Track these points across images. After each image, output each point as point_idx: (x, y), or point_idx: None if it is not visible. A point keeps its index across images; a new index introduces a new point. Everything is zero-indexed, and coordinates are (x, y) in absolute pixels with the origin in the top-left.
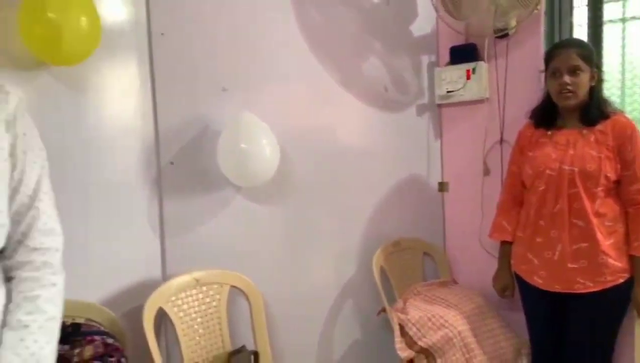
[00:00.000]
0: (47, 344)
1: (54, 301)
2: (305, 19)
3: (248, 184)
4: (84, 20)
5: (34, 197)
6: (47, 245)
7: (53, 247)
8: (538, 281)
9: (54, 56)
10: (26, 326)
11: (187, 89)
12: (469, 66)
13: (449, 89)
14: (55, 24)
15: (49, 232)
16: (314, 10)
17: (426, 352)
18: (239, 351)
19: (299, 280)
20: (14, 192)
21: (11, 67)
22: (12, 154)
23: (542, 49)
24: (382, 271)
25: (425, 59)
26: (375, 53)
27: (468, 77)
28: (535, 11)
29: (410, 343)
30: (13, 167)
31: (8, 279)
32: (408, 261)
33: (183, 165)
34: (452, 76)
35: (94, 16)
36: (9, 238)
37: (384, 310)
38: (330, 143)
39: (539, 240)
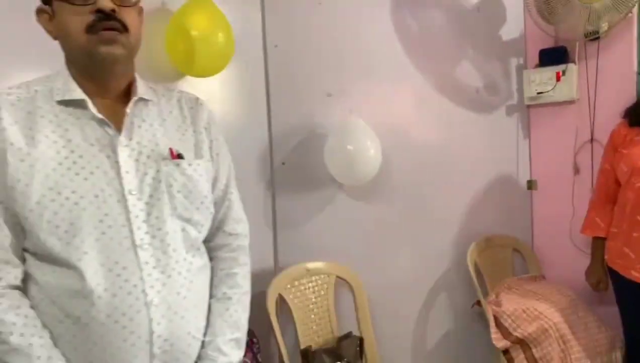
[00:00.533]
0: (243, 313)
1: (247, 277)
2: (402, 27)
3: (353, 183)
4: (221, 37)
5: (225, 191)
6: (239, 231)
7: (243, 233)
8: (635, 274)
9: (193, 68)
10: (229, 298)
11: (297, 96)
12: (559, 68)
13: (538, 91)
14: (196, 40)
15: (239, 220)
16: (411, 19)
17: (521, 342)
18: (346, 336)
19: (396, 273)
20: (212, 186)
21: (156, 79)
22: (211, 155)
23: (635, 51)
24: (475, 266)
25: (514, 62)
26: (468, 57)
27: (558, 79)
28: (630, 15)
29: (505, 334)
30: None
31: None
32: (499, 257)
33: (293, 165)
34: (542, 78)
35: (229, 33)
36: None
37: (478, 302)
38: (426, 144)
39: (635, 234)
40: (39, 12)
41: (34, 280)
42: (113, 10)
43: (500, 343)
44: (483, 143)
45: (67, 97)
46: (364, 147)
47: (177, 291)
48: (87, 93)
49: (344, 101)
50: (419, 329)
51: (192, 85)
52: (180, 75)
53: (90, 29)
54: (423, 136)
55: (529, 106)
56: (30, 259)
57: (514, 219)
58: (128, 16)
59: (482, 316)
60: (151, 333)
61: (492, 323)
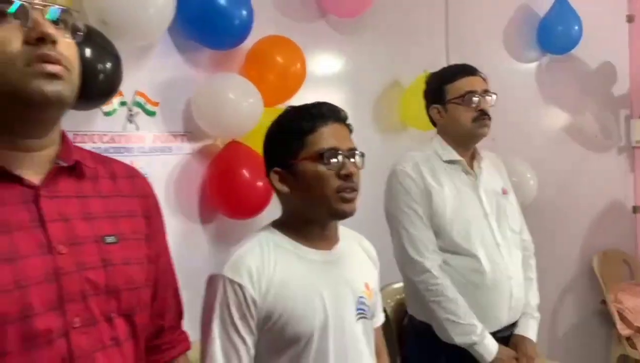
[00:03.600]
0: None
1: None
2: (543, 86)
3: None
4: None
5: None
6: (526, 237)
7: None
8: None
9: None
10: (530, 279)
11: None
12: None
13: None
14: None
15: (524, 230)
16: (551, 80)
17: None
18: None
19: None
20: None
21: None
22: None
23: None
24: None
25: (623, 113)
26: (589, 109)
27: None
28: None
29: (628, 324)
30: None
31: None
32: (612, 266)
33: None
34: None
35: None
36: None
37: (603, 301)
38: (559, 174)
39: None
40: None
41: (447, 263)
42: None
43: (625, 331)
44: (599, 175)
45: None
46: (524, 178)
47: (518, 270)
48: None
49: (506, 144)
50: (552, 321)
51: None
52: None
53: None
54: (558, 168)
55: (634, 147)
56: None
57: (623, 236)
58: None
59: (603, 314)
60: (510, 295)
61: (616, 317)
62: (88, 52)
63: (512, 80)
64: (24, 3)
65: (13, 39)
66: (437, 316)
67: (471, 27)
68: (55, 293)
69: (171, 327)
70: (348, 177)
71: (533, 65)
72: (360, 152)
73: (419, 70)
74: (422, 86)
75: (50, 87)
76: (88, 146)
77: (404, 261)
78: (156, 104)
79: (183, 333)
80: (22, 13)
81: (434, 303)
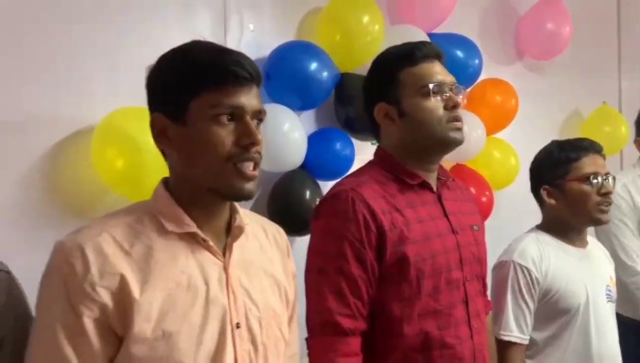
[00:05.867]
0: None
1: None
2: None
3: None
4: None
5: None
6: None
7: None
8: None
9: None
10: None
11: None
12: None
13: None
14: None
15: None
16: None
17: None
18: None
19: None
20: None
21: None
22: None
23: None
24: None
25: None
26: None
27: None
28: None
29: None
30: None
31: None
32: None
33: None
34: None
35: None
36: None
37: None
38: None
39: None
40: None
41: None
42: None
43: None
44: None
45: None
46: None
47: None
48: None
49: None
50: None
51: None
52: None
53: None
54: None
55: None
56: None
57: None
58: None
59: None
60: None
61: None
62: None
63: None
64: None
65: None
66: None
67: None
68: (458, 258)
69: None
70: (606, 195)
71: None
72: (613, 176)
73: (598, 101)
74: (602, 116)
75: None
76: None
77: (617, 265)
78: None
79: None
80: None
81: None
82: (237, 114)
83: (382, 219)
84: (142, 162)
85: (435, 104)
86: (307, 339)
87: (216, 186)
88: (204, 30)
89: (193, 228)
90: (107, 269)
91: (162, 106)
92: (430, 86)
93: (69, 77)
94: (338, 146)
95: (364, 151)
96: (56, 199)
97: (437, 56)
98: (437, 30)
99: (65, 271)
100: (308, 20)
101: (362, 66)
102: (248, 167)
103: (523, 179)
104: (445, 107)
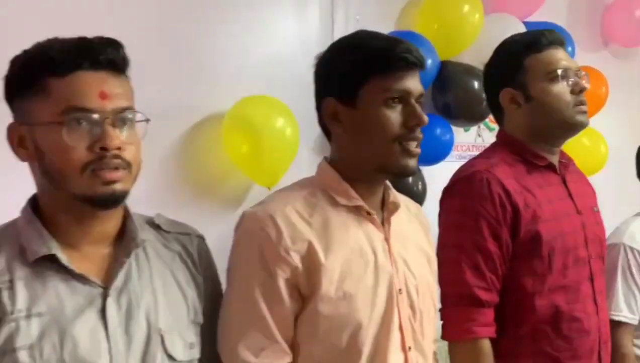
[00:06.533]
0: None
1: None
2: None
3: None
4: None
5: None
6: None
7: None
8: None
9: None
10: None
11: None
12: None
13: None
14: None
15: None
16: None
17: None
18: None
19: None
20: None
21: None
22: None
23: None
24: None
25: None
26: None
27: None
28: None
29: None
30: None
31: None
32: None
33: None
34: None
35: None
36: None
37: None
38: None
39: None
40: None
41: None
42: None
43: None
44: None
45: None
46: None
47: None
48: None
49: None
50: None
51: None
52: None
53: None
54: None
55: None
56: None
57: None
58: None
59: None
60: None
61: None
62: (476, 84)
63: None
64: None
65: None
66: None
67: None
68: (583, 238)
69: None
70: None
71: None
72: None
73: None
74: None
75: None
76: (455, 152)
77: None
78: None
79: None
80: None
81: None
82: (404, 98)
83: (517, 199)
84: (263, 146)
85: (562, 88)
86: (440, 310)
87: (384, 165)
88: (314, 22)
89: (360, 201)
90: (297, 236)
91: (334, 91)
92: (559, 71)
93: (202, 68)
94: (438, 131)
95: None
96: (190, 179)
97: (561, 43)
98: (529, 19)
99: (261, 238)
100: (409, 10)
101: (460, 53)
102: (413, 145)
103: (612, 167)
104: (572, 92)
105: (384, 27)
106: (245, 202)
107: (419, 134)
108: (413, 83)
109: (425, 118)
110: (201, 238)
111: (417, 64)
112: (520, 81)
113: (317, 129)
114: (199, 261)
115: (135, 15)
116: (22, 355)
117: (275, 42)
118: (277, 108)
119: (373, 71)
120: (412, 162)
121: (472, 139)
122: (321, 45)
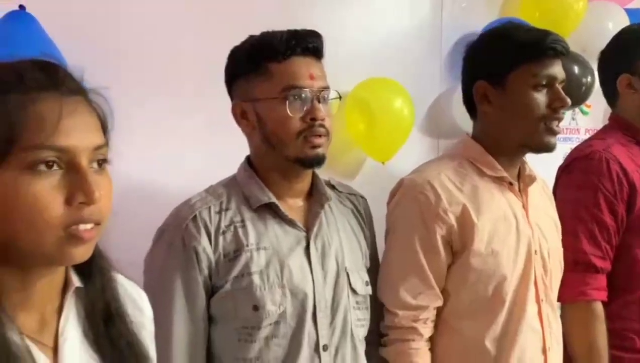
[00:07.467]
0: None
1: None
2: None
3: None
4: None
5: None
6: None
7: None
8: None
9: None
10: None
11: None
12: None
13: None
14: None
15: None
16: None
17: None
18: None
19: None
20: None
21: None
22: None
23: None
24: None
25: None
26: None
27: None
28: None
29: None
30: None
31: None
32: None
33: None
34: None
35: None
36: None
37: None
38: None
39: None
40: None
41: None
42: None
43: None
44: None
45: None
46: None
47: None
48: None
49: None
50: None
51: None
52: None
53: None
54: None
55: None
56: None
57: None
58: None
59: None
60: None
61: None
62: (576, 69)
63: None
64: None
65: None
66: None
67: None
68: None
69: None
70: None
71: None
72: None
73: None
74: None
75: None
76: None
77: None
78: (589, 106)
79: None
80: None
81: None
82: (549, 83)
83: (633, 177)
84: (380, 126)
85: None
86: None
87: (529, 141)
88: (425, 8)
89: (503, 173)
90: (453, 199)
91: (485, 75)
92: None
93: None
94: None
95: None
96: None
97: None
98: (630, 6)
99: (421, 200)
100: None
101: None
102: (555, 124)
103: None
104: None
105: (489, 13)
106: (359, 176)
107: (561, 115)
108: (558, 69)
109: (568, 100)
110: (364, 198)
111: (563, 53)
112: (638, 68)
113: (424, 109)
114: (365, 217)
115: (260, 2)
116: (255, 277)
117: (389, 28)
118: (395, 90)
119: (525, 59)
120: (553, 139)
121: (566, 123)
122: (430, 30)
